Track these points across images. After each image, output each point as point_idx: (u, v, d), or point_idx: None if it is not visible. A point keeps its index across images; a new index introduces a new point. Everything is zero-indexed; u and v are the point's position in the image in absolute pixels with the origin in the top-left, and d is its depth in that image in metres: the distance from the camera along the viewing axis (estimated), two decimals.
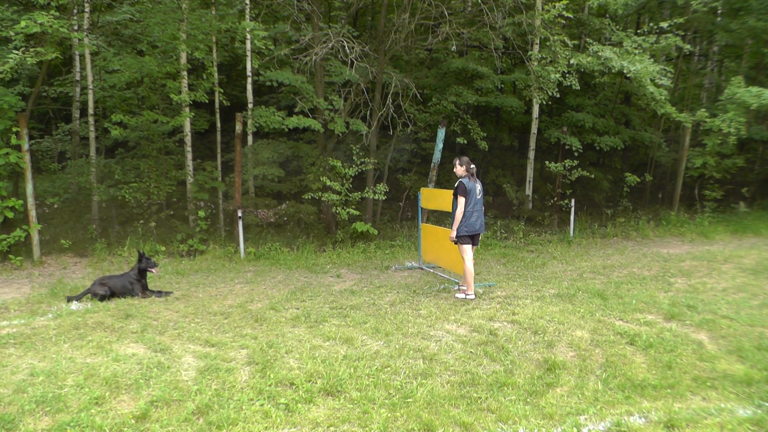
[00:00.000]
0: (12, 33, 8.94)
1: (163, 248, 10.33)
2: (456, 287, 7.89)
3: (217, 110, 12.39)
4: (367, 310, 6.74)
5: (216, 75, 11.74)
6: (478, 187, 7.38)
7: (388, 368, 4.93)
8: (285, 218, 12.52)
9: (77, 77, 12.68)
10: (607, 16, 15.09)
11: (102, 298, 7.02)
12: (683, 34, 14.84)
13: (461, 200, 7.22)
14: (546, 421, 4.21)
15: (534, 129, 14.34)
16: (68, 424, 3.87)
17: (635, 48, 12.71)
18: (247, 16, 12.26)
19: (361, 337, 5.66)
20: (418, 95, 12.26)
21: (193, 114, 12.16)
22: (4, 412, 4.00)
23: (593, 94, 16.55)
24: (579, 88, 12.78)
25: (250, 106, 12.41)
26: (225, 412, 4.08)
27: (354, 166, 11.50)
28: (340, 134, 11.57)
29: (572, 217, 13.15)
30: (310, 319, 6.30)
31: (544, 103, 12.62)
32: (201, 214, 10.94)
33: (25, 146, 9.37)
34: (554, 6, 11.23)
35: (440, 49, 14.02)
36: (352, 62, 10.55)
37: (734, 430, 4.15)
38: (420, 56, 14.59)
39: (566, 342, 5.67)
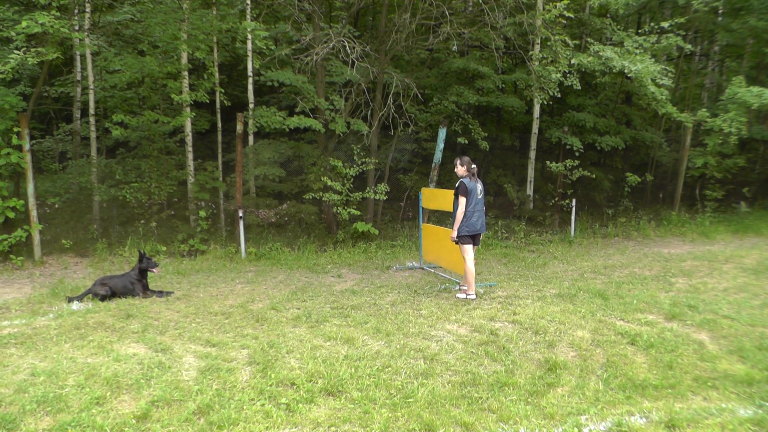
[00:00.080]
0: (13, 33, 8.95)
1: (164, 248, 10.34)
2: (457, 287, 7.89)
3: (218, 110, 12.40)
4: (368, 310, 6.74)
5: (217, 75, 11.75)
6: (479, 187, 7.37)
7: (389, 368, 4.93)
8: (286, 218, 12.53)
9: (78, 77, 12.68)
10: (608, 15, 15.08)
11: (103, 298, 7.03)
12: (684, 33, 14.83)
13: (462, 200, 7.22)
14: (547, 421, 4.21)
15: (535, 129, 14.33)
16: (69, 424, 3.87)
17: (636, 48, 12.70)
18: (248, 16, 12.26)
19: (362, 337, 5.66)
20: (419, 95, 12.25)
21: (194, 114, 12.17)
22: (5, 412, 4.00)
23: (594, 94, 16.54)
24: (580, 88, 12.77)
25: (251, 106, 12.42)
26: (226, 412, 4.09)
27: (355, 166, 11.51)
28: (341, 134, 11.57)
29: (573, 217, 13.15)
30: (311, 319, 6.31)
31: (545, 103, 12.61)
32: (202, 214, 10.94)
33: (27, 146, 9.38)
34: (555, 6, 11.22)
35: (441, 49, 14.02)
36: (353, 62, 10.55)
37: (735, 430, 4.15)
38: (421, 56, 14.59)
39: (567, 342, 5.67)
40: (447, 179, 13.62)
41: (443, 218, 12.44)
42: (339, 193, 11.24)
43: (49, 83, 13.90)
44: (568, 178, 13.80)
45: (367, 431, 3.98)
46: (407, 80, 11.74)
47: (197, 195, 11.65)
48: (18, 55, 8.84)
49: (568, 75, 11.98)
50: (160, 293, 7.38)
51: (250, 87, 12.48)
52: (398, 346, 5.42)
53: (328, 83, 12.57)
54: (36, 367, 4.73)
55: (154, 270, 7.44)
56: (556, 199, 13.86)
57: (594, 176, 14.71)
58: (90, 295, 7.11)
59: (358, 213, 11.31)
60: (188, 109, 11.40)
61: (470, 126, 13.87)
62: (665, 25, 13.35)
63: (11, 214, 9.32)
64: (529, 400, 4.52)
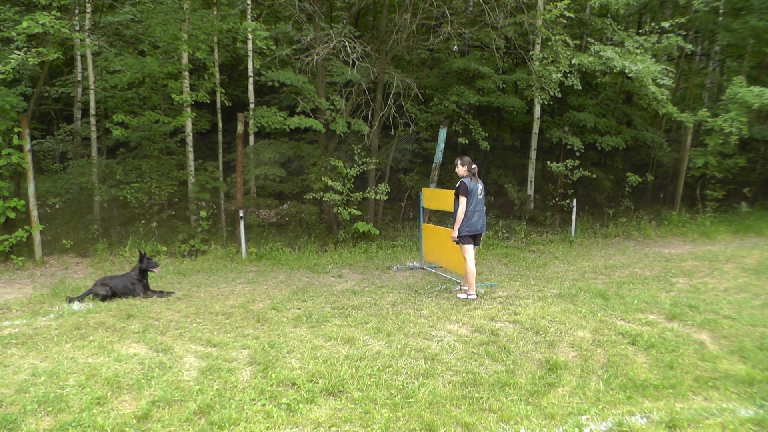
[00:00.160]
0: (14, 33, 8.96)
1: (165, 248, 10.34)
2: (458, 287, 7.89)
3: (219, 110, 12.40)
4: (369, 310, 6.74)
5: (217, 75, 11.75)
6: (480, 187, 7.37)
7: (390, 368, 4.93)
8: (287, 218, 12.53)
9: (79, 78, 12.69)
10: (609, 15, 15.08)
11: (104, 299, 7.03)
12: (685, 33, 14.82)
13: (463, 200, 7.22)
14: (548, 421, 4.21)
15: (536, 129, 14.33)
16: (70, 424, 3.88)
17: (637, 48, 12.69)
18: (249, 17, 12.27)
19: (362, 337, 5.66)
20: (420, 95, 12.25)
21: (194, 114, 12.17)
22: (6, 412, 4.01)
23: (595, 94, 16.53)
24: (581, 88, 12.77)
25: (252, 106, 12.42)
26: (227, 412, 4.09)
27: (356, 166, 11.51)
28: (342, 134, 11.58)
29: (574, 217, 13.14)
30: (312, 319, 6.31)
31: (546, 103, 12.60)
32: (203, 214, 10.95)
33: (27, 146, 9.39)
34: (556, 6, 11.22)
35: (442, 49, 14.01)
36: (354, 62, 10.55)
37: (736, 430, 4.14)
38: (421, 56, 14.59)
39: (568, 342, 5.67)
40: (448, 179, 13.62)
41: (444, 218, 12.44)
42: (340, 193, 11.24)
43: (49, 83, 13.91)
44: (569, 178, 13.80)
45: (368, 431, 3.99)
46: (408, 80, 11.74)
47: (198, 195, 11.65)
48: (19, 55, 8.85)
49: (569, 75, 11.98)
50: (161, 293, 7.38)
51: (251, 87, 12.49)
52: (399, 346, 5.42)
53: (329, 83, 12.57)
54: (37, 367, 4.73)
55: (154, 270, 7.44)
56: (557, 199, 13.85)
57: (595, 176, 14.70)
58: (91, 296, 7.11)
59: (359, 213, 11.31)
60: (189, 110, 11.41)
61: (471, 126, 13.87)
62: (666, 25, 13.35)
63: (12, 215, 9.33)
64: (530, 400, 4.51)
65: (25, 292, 7.74)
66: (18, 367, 4.80)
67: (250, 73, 12.38)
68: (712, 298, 7.45)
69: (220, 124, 12.47)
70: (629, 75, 12.35)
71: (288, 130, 11.45)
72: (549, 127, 15.13)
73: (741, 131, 13.25)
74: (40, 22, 8.57)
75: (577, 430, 4.08)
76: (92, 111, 11.99)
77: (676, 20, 13.56)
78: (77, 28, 11.13)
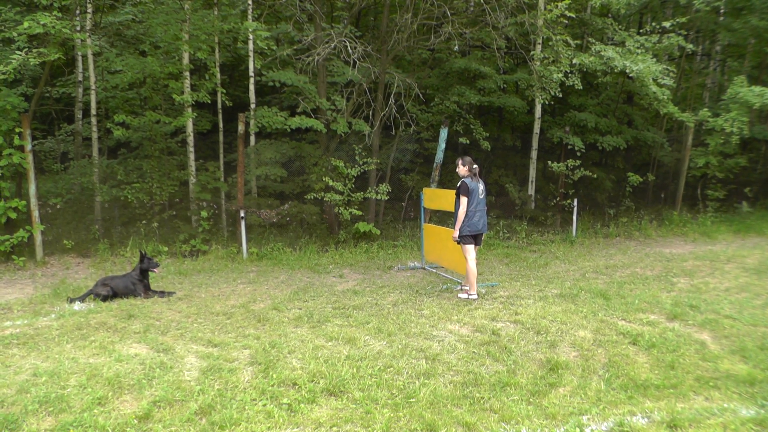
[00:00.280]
0: (15, 34, 8.97)
1: (166, 248, 10.35)
2: (459, 287, 7.89)
3: (220, 111, 12.40)
4: (370, 310, 6.74)
5: (218, 75, 11.75)
6: (481, 186, 7.37)
7: (391, 368, 4.93)
8: (287, 218, 12.52)
9: (80, 78, 12.70)
10: (610, 15, 15.07)
11: (104, 299, 7.04)
12: (686, 33, 14.80)
13: (464, 200, 7.21)
14: (549, 421, 4.21)
15: (536, 129, 14.32)
16: (71, 424, 3.88)
17: (638, 48, 12.68)
18: (250, 17, 12.27)
19: (363, 337, 5.66)
20: (421, 95, 12.24)
21: (195, 114, 12.17)
22: (7, 412, 4.01)
23: (596, 94, 16.52)
24: (581, 87, 12.75)
25: (253, 106, 12.42)
26: (228, 412, 4.09)
27: (356, 166, 11.51)
28: (343, 134, 11.58)
29: (575, 217, 13.14)
30: (313, 319, 6.31)
31: (547, 103, 12.60)
32: (203, 214, 10.95)
33: (28, 147, 9.40)
34: (557, 6, 11.21)
35: (443, 49, 14.01)
36: (355, 62, 10.55)
37: (737, 430, 4.14)
38: (422, 56, 14.59)
39: (569, 342, 5.66)
40: (448, 179, 13.61)
41: (445, 218, 12.44)
42: (341, 194, 11.24)
43: (50, 84, 13.92)
44: (570, 178, 13.79)
45: (369, 431, 3.99)
46: (409, 80, 11.73)
47: (199, 195, 11.66)
48: (20, 55, 8.86)
49: (570, 75, 11.97)
50: (162, 293, 7.38)
51: (252, 87, 12.48)
52: (400, 346, 5.42)
53: (330, 83, 12.56)
54: (38, 368, 4.74)
55: (155, 270, 7.45)
56: (558, 199, 13.84)
57: (596, 176, 14.69)
58: (92, 296, 7.12)
59: (360, 213, 11.31)
60: (190, 110, 11.41)
61: (472, 126, 13.87)
62: (667, 24, 13.34)
63: (13, 215, 9.33)
64: (531, 400, 4.51)
65: (27, 293, 7.75)
66: (19, 367, 4.80)
67: (251, 74, 12.39)
68: (713, 298, 7.45)
69: (221, 125, 12.47)
70: (630, 75, 12.34)
71: (289, 130, 11.45)
72: (550, 127, 15.12)
73: (742, 131, 13.23)
74: (41, 22, 8.58)
75: (578, 430, 4.08)
76: (93, 111, 11.99)
77: (677, 20, 13.56)
78: (78, 28, 11.13)
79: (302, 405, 4.25)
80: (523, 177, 15.27)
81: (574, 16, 11.99)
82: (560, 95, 12.36)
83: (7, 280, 8.55)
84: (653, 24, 14.00)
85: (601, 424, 4.19)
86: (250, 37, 11.63)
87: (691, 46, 14.76)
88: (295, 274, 9.05)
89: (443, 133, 11.23)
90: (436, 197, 9.24)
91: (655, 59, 12.77)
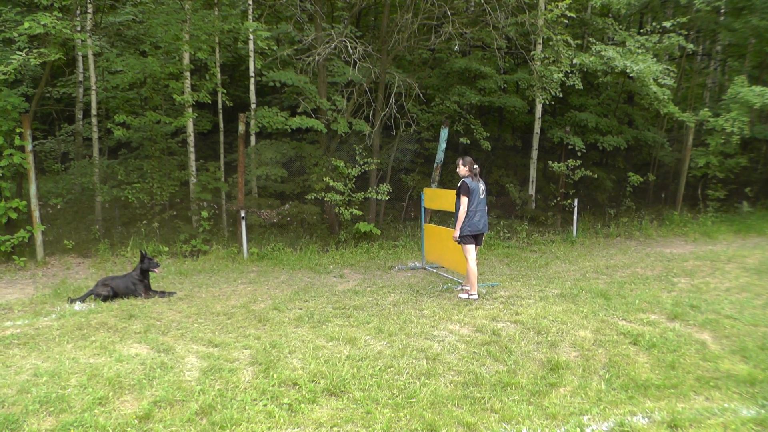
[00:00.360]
0: (15, 34, 8.97)
1: (166, 249, 10.35)
2: (459, 287, 7.89)
3: (220, 111, 12.40)
4: (371, 310, 6.74)
5: (219, 75, 11.76)
6: (482, 186, 7.37)
7: (392, 368, 4.93)
8: (288, 218, 12.52)
9: (80, 78, 12.70)
10: (610, 15, 15.06)
11: (105, 299, 7.04)
12: (686, 33, 14.80)
13: (464, 200, 7.21)
14: (549, 421, 4.21)
15: (537, 129, 14.32)
16: (72, 424, 3.88)
17: (638, 47, 12.68)
18: (250, 17, 12.27)
19: (364, 338, 5.66)
20: (421, 95, 12.24)
21: (195, 115, 12.17)
22: (8, 412, 4.01)
23: (596, 94, 16.52)
24: (582, 87, 12.75)
25: (253, 106, 12.42)
26: (228, 412, 4.09)
27: (357, 166, 11.51)
28: (343, 134, 11.58)
29: (575, 217, 13.14)
30: (314, 319, 6.31)
31: (547, 102, 12.59)
32: (204, 214, 10.95)
33: (29, 147, 9.40)
34: (557, 6, 11.21)
35: (443, 49, 14.01)
36: (355, 62, 10.55)
37: (738, 430, 4.14)
38: (423, 56, 14.59)
39: (569, 342, 5.66)
40: (449, 179, 13.61)
41: (445, 218, 12.44)
42: (341, 194, 11.24)
43: (51, 84, 13.92)
44: (570, 178, 13.79)
45: (370, 431, 3.99)
46: (409, 80, 11.74)
47: (199, 195, 11.66)
48: (20, 56, 8.86)
49: (570, 75, 11.97)
50: (162, 293, 7.39)
51: (252, 87, 12.48)
52: (400, 347, 5.42)
53: (330, 83, 12.56)
54: (39, 368, 4.74)
55: (155, 270, 7.45)
56: (559, 199, 13.84)
57: (596, 176, 14.69)
58: (92, 296, 7.12)
59: (360, 213, 11.31)
60: (190, 110, 11.42)
61: (472, 126, 13.87)
62: (667, 24, 13.34)
63: (14, 215, 9.34)
64: (532, 400, 4.51)
65: (27, 293, 7.75)
66: (20, 367, 4.81)
67: (252, 74, 12.39)
68: (714, 298, 7.44)
69: (221, 125, 12.47)
70: (630, 75, 12.34)
71: (289, 130, 11.45)
72: (550, 127, 15.12)
73: (742, 131, 13.23)
74: (42, 22, 8.58)
75: (578, 430, 4.08)
76: (94, 111, 12.00)
77: (678, 20, 13.55)
78: (78, 28, 11.13)
79: (303, 405, 4.25)
80: (523, 177, 15.27)
81: (574, 16, 11.99)
82: (561, 95, 12.36)
83: (7, 281, 8.55)
84: (654, 24, 14.00)
85: (602, 424, 4.20)
86: (251, 37, 11.63)
87: (691, 45, 14.76)
88: (295, 274, 9.05)
89: (444, 133, 11.23)
90: (436, 197, 9.25)
91: (655, 59, 12.76)
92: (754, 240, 12.61)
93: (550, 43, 11.85)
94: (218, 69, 11.79)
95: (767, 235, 13.10)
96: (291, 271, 9.23)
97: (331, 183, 11.13)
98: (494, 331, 5.89)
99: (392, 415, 4.17)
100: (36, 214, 9.54)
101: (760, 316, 6.65)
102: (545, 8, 12.16)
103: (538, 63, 12.12)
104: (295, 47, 11.89)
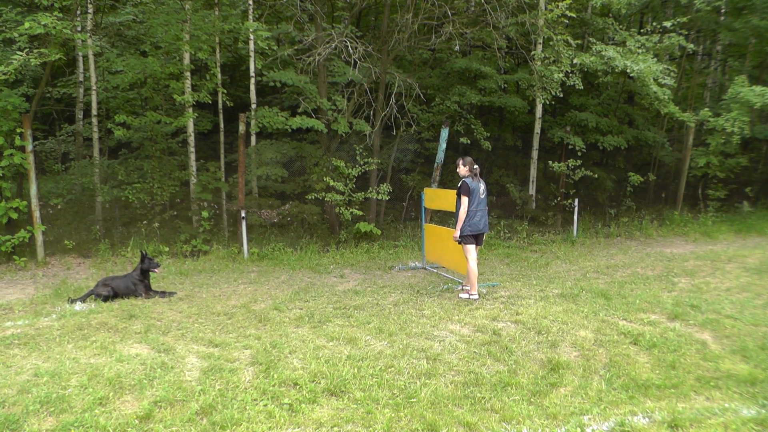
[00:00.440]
0: (16, 34, 8.97)
1: (167, 249, 10.35)
2: (459, 287, 7.89)
3: (221, 111, 12.40)
4: (371, 310, 6.74)
5: (219, 76, 11.76)
6: (482, 186, 7.37)
7: (392, 368, 4.93)
8: (288, 218, 12.53)
9: (80, 78, 12.71)
10: (611, 15, 15.06)
11: (105, 299, 7.04)
12: (686, 33, 14.80)
13: (464, 200, 7.21)
14: (550, 421, 4.21)
15: (537, 129, 14.32)
16: (72, 424, 3.88)
17: (638, 47, 12.68)
18: (251, 17, 12.27)
19: (364, 338, 5.66)
20: (422, 95, 12.25)
21: (196, 115, 12.17)
22: (8, 412, 4.02)
23: (596, 94, 16.52)
24: (582, 87, 12.75)
25: (254, 106, 12.43)
26: (229, 412, 4.09)
27: (357, 166, 11.51)
28: (344, 134, 11.58)
29: (576, 217, 13.13)
30: (314, 319, 6.31)
31: (548, 102, 12.59)
32: (204, 214, 10.96)
33: (29, 147, 9.40)
34: (557, 6, 11.21)
35: (443, 49, 14.01)
36: (356, 62, 10.55)
37: (738, 430, 4.14)
38: (423, 56, 14.59)
39: (570, 342, 5.66)
40: (449, 179, 13.61)
41: (446, 218, 12.44)
42: (341, 194, 11.24)
43: (51, 84, 13.93)
44: (571, 178, 13.79)
45: (370, 431, 3.99)
46: (409, 80, 11.74)
47: (200, 195, 11.66)
48: (21, 56, 8.86)
49: (571, 75, 11.97)
50: (163, 294, 7.39)
51: (253, 87, 12.49)
52: (401, 346, 5.42)
53: (331, 83, 12.56)
54: (39, 368, 4.74)
55: (156, 270, 7.45)
56: (559, 198, 13.84)
57: (596, 176, 14.69)
58: (92, 296, 7.12)
59: (361, 213, 11.32)
60: (191, 110, 11.42)
61: (473, 126, 13.87)
62: (667, 24, 13.34)
63: (14, 215, 9.34)
64: (532, 400, 4.51)
65: (28, 293, 7.76)
66: (20, 367, 4.81)
67: (252, 74, 12.39)
68: (714, 298, 7.44)
69: (221, 125, 12.47)
70: (631, 75, 12.34)
71: (290, 130, 11.45)
72: (551, 126, 15.12)
73: (743, 131, 13.23)
74: (42, 22, 8.58)
75: (579, 430, 4.08)
76: (94, 111, 12.00)
77: (678, 20, 13.55)
78: (79, 28, 11.13)
79: (303, 405, 4.25)
80: (523, 177, 15.27)
81: (574, 15, 12.00)
82: (561, 95, 12.36)
83: (8, 281, 8.55)
84: (654, 24, 14.00)
85: (602, 424, 4.19)
86: (251, 37, 11.64)
87: (691, 45, 14.76)
88: (296, 274, 9.05)
89: (444, 133, 11.23)
90: (436, 197, 9.24)
91: (655, 59, 12.76)
92: (755, 240, 12.61)
93: (551, 43, 11.85)
94: (218, 69, 11.79)
95: (767, 235, 13.09)
96: (291, 271, 9.23)
97: (332, 183, 11.13)
98: (495, 331, 5.89)
99: (393, 415, 4.17)
100: (36, 214, 9.55)
101: (760, 315, 6.64)
102: (545, 8, 12.16)
103: (539, 63, 12.12)
104: (296, 47, 11.90)
